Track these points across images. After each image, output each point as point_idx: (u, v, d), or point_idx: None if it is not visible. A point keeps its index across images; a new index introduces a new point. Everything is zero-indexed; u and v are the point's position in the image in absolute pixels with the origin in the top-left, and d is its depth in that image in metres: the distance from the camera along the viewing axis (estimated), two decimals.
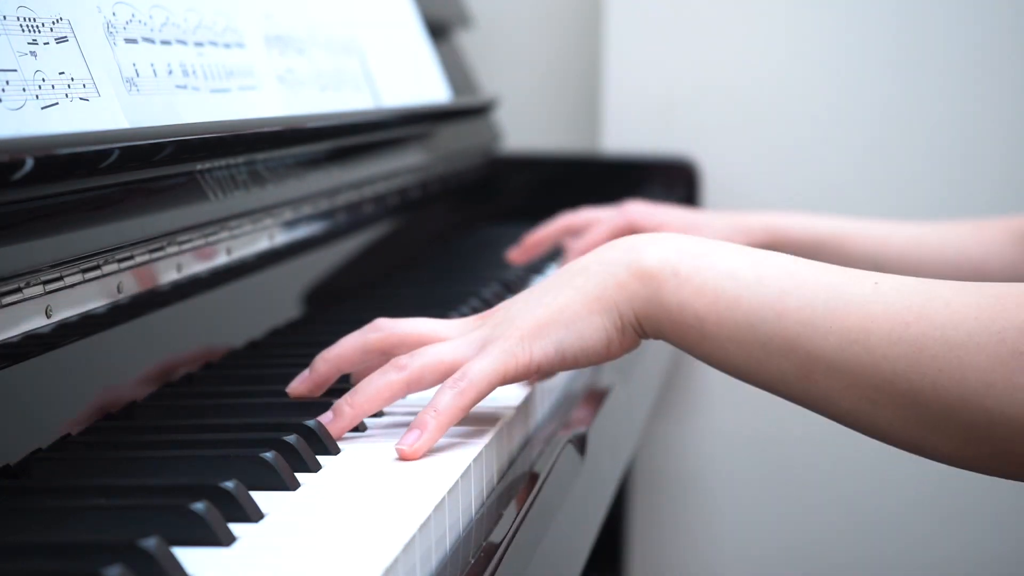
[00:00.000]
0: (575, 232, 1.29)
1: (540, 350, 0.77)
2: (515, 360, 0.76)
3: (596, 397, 0.99)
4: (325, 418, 0.77)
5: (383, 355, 0.82)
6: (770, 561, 1.81)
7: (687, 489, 1.83)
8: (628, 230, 1.23)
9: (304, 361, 0.93)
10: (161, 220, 0.85)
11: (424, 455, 0.74)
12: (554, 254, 1.40)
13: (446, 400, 0.75)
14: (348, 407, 0.77)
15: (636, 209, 1.28)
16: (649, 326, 0.78)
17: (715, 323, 0.75)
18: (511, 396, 0.85)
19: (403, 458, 0.73)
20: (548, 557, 0.76)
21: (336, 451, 0.75)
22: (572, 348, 0.78)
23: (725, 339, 0.75)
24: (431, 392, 0.78)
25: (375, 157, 1.25)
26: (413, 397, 0.88)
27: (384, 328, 0.83)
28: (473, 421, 0.80)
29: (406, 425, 0.79)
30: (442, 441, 0.76)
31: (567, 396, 0.99)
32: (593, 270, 0.78)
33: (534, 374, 0.79)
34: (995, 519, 1.74)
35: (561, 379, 0.99)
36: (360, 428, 0.80)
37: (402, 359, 0.78)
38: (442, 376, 0.78)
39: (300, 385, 0.83)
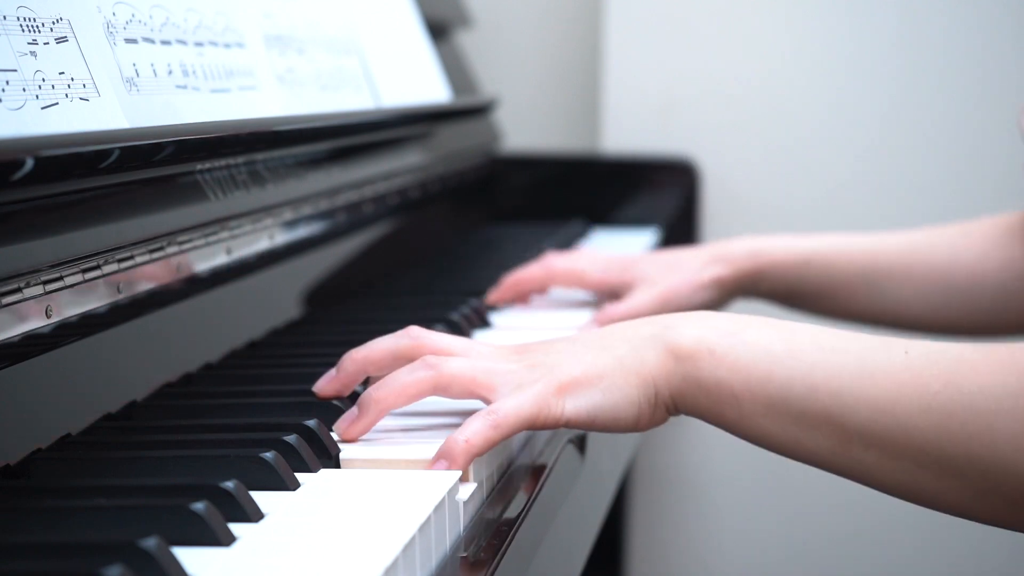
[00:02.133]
0: (559, 283, 1.23)
1: (572, 408, 0.77)
2: (548, 410, 0.76)
3: None
4: (349, 414, 0.77)
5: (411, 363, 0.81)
6: (770, 561, 1.81)
7: (687, 489, 1.83)
8: (609, 287, 1.20)
9: (304, 361, 0.93)
10: (161, 220, 0.85)
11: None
12: None
13: (479, 430, 0.73)
14: (374, 402, 0.77)
15: (620, 262, 1.24)
16: (684, 404, 0.78)
17: (749, 399, 0.75)
18: None
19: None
20: (548, 557, 0.76)
21: (336, 451, 0.75)
22: (604, 415, 0.77)
23: (761, 416, 0.76)
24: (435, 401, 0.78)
25: (375, 157, 1.25)
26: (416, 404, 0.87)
27: (417, 337, 0.81)
28: None
29: (406, 427, 0.79)
30: (443, 441, 0.76)
31: None
32: (634, 343, 0.78)
33: (562, 427, 0.78)
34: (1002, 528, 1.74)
35: None
36: None
37: (432, 359, 0.78)
38: (468, 392, 0.77)
39: (327, 385, 0.82)
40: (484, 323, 1.12)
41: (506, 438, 0.75)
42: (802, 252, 1.22)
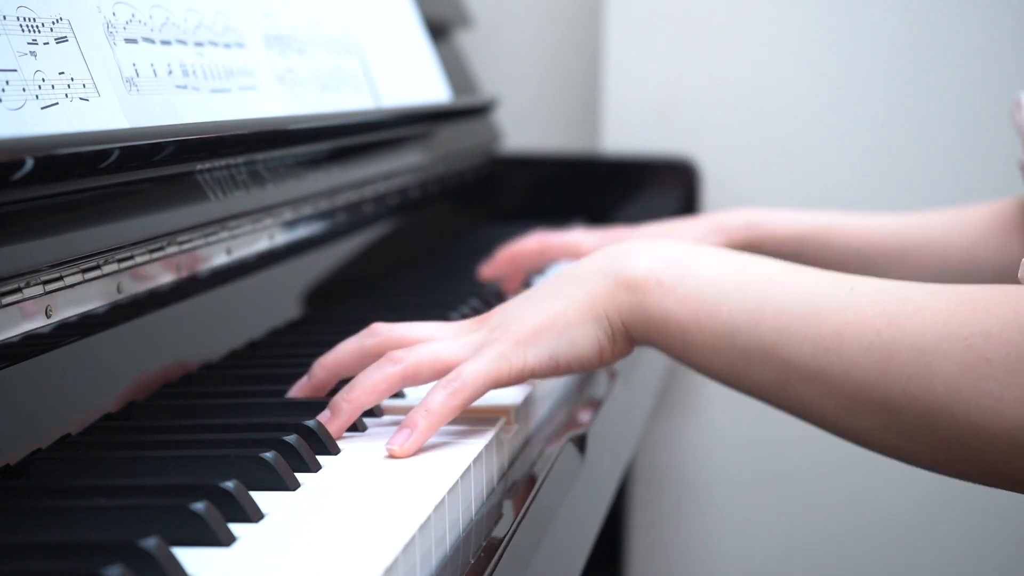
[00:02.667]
0: (553, 254, 1.23)
1: (534, 356, 0.78)
2: (509, 364, 0.78)
3: (596, 397, 0.99)
4: (323, 416, 0.77)
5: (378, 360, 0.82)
6: (770, 561, 1.81)
7: (687, 489, 1.83)
8: None
9: (304, 361, 0.93)
10: (161, 220, 0.85)
11: (414, 454, 0.74)
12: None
13: (438, 400, 0.75)
14: (345, 403, 0.78)
15: (615, 234, 1.24)
16: (638, 333, 0.79)
17: (697, 332, 0.76)
18: (511, 396, 0.85)
19: (393, 456, 0.74)
20: (548, 557, 0.76)
21: (336, 451, 0.75)
22: (565, 355, 0.79)
23: (708, 348, 0.76)
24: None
25: (375, 157, 1.25)
26: (415, 395, 0.88)
27: (381, 333, 0.83)
28: (473, 421, 0.80)
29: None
30: (442, 441, 0.76)
31: (567, 396, 0.99)
32: (585, 279, 0.80)
33: (527, 379, 0.80)
34: (996, 523, 1.74)
35: (561, 379, 0.99)
36: (359, 428, 0.80)
37: (398, 353, 0.79)
38: (438, 373, 0.79)
39: (299, 391, 0.83)
40: None
41: (471, 401, 0.77)
42: (799, 227, 1.22)
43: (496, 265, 1.22)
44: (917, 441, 0.71)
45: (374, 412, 0.83)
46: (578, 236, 1.24)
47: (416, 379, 0.79)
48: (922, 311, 0.70)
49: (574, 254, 1.23)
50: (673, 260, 0.78)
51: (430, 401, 0.75)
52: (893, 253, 1.20)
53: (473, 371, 0.77)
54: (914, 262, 1.20)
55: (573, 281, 0.80)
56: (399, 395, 0.87)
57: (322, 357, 0.83)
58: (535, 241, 1.22)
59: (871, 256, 1.21)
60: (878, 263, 1.20)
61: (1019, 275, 0.73)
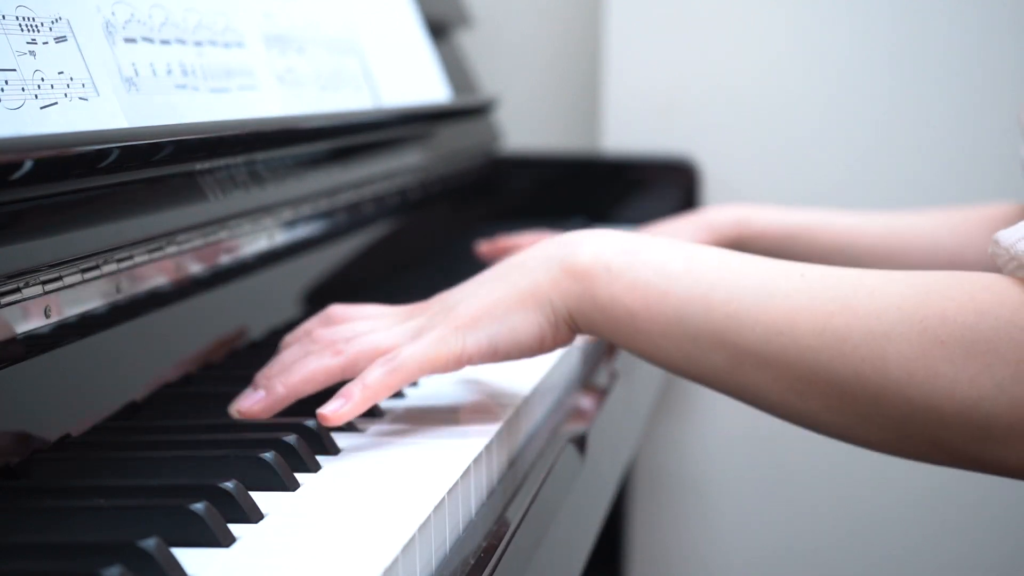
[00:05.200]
0: None
1: (473, 341, 0.78)
2: (447, 349, 0.78)
3: (596, 397, 0.99)
4: (251, 396, 0.79)
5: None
6: (770, 561, 1.81)
7: (687, 489, 1.83)
8: None
9: None
10: (161, 220, 0.85)
11: (342, 423, 0.75)
12: None
13: (376, 376, 0.77)
14: (281, 387, 0.79)
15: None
16: (583, 322, 0.79)
17: (646, 318, 0.76)
18: (511, 396, 0.85)
19: (322, 422, 0.75)
20: (548, 557, 0.76)
21: (336, 451, 0.75)
22: (504, 341, 0.79)
23: (657, 334, 0.76)
24: (435, 391, 0.78)
25: (375, 157, 1.25)
26: (414, 394, 0.88)
27: (323, 335, 0.83)
28: (473, 421, 0.80)
29: (405, 429, 0.79)
30: (442, 441, 0.76)
31: (567, 396, 0.99)
32: (529, 266, 0.80)
33: (465, 364, 0.80)
34: (994, 520, 1.74)
35: (561, 379, 0.99)
36: (359, 428, 0.80)
37: (339, 344, 0.80)
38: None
39: (254, 406, 0.80)
40: None
41: (407, 382, 0.78)
42: (788, 225, 1.23)
43: (495, 246, 1.23)
44: (869, 423, 0.71)
45: (374, 413, 0.83)
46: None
47: (354, 370, 0.79)
48: (875, 295, 0.71)
49: None
50: (621, 248, 0.78)
51: (367, 376, 0.77)
52: (880, 252, 1.21)
53: (411, 353, 0.78)
54: (901, 262, 1.20)
55: (517, 268, 0.80)
56: (399, 395, 0.87)
57: (281, 375, 0.80)
58: (530, 239, 1.23)
59: (858, 255, 1.21)
60: (864, 262, 1.20)
61: (988, 250, 0.73)
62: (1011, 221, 1.18)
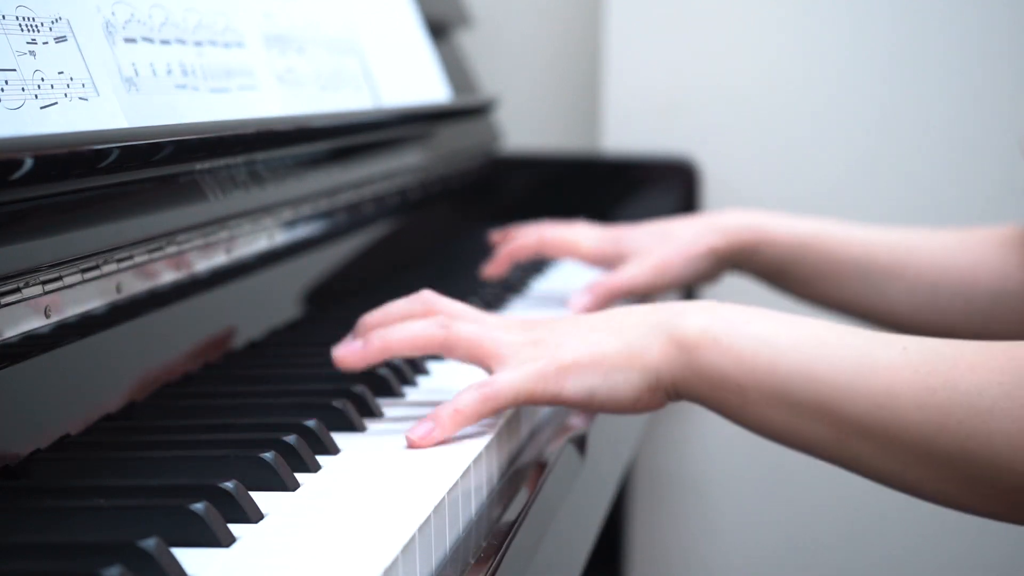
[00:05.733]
0: (550, 253, 1.26)
1: (572, 387, 0.79)
2: (545, 386, 0.79)
3: None
4: (353, 345, 0.80)
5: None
6: (770, 561, 1.81)
7: (687, 489, 1.83)
8: (603, 258, 1.22)
9: (304, 361, 0.93)
10: (160, 220, 0.85)
11: (430, 446, 0.75)
12: (540, 265, 1.40)
13: (470, 401, 0.77)
14: (379, 339, 0.80)
15: (614, 233, 1.26)
16: (686, 390, 0.80)
17: (753, 390, 0.77)
18: None
19: (411, 446, 0.75)
20: (548, 557, 0.76)
21: (336, 451, 0.75)
22: (601, 395, 0.79)
23: (763, 405, 0.77)
24: (437, 387, 0.78)
25: (375, 157, 1.25)
26: (415, 398, 0.88)
27: (430, 301, 0.84)
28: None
29: (405, 429, 0.79)
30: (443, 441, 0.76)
31: None
32: (640, 329, 0.80)
33: (559, 405, 0.81)
34: (994, 521, 1.73)
35: None
36: (359, 429, 0.80)
37: (445, 319, 0.81)
38: (472, 356, 0.80)
39: (348, 353, 0.83)
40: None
41: (498, 411, 0.78)
42: (799, 233, 1.21)
43: (498, 263, 1.23)
44: (977, 493, 0.73)
45: (374, 413, 0.83)
46: (577, 233, 1.24)
47: (453, 351, 0.80)
48: (976, 370, 0.72)
49: (572, 252, 1.24)
50: (728, 320, 0.79)
51: (461, 401, 0.76)
52: (891, 267, 1.20)
53: (509, 381, 0.78)
54: (911, 277, 1.20)
55: (631, 328, 0.80)
56: (400, 395, 0.87)
57: (368, 315, 0.84)
58: (533, 238, 1.23)
59: (869, 268, 1.21)
60: (875, 275, 1.20)
61: None
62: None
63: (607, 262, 1.21)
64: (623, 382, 0.79)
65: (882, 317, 1.22)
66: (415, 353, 0.82)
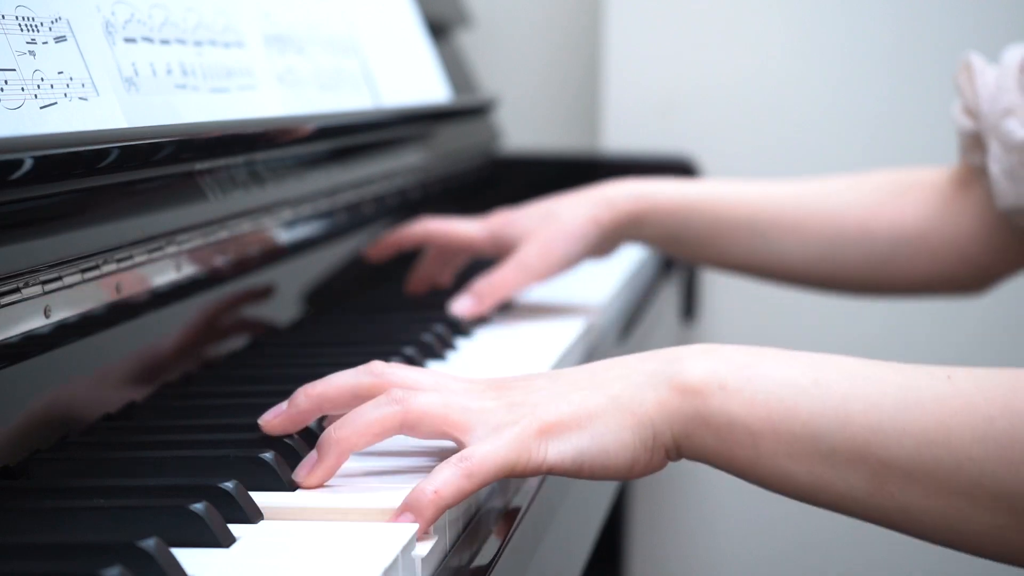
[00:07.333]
0: (436, 242, 1.21)
1: (557, 453, 0.68)
2: (528, 455, 0.67)
3: None
4: (309, 459, 0.69)
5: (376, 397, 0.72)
6: (770, 562, 1.81)
7: (687, 489, 1.83)
8: (492, 245, 1.18)
9: (304, 361, 0.93)
10: (160, 220, 0.85)
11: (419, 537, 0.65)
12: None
13: (449, 480, 0.65)
14: (334, 443, 0.68)
15: (499, 219, 1.20)
16: (688, 447, 0.70)
17: (771, 438, 0.68)
18: None
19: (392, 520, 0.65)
20: (548, 558, 0.76)
21: None
22: (591, 460, 0.68)
23: (783, 456, 0.68)
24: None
25: (375, 157, 1.25)
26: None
27: (382, 374, 0.72)
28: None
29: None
30: (442, 443, 0.76)
31: None
32: (632, 379, 0.70)
33: (542, 474, 0.71)
34: None
35: None
36: None
37: (399, 392, 0.69)
38: (439, 432, 0.69)
39: (275, 419, 0.73)
40: (481, 322, 1.12)
41: (481, 487, 0.67)
42: (686, 197, 1.18)
43: (380, 248, 1.19)
44: None
45: None
46: (463, 228, 1.20)
47: (415, 429, 0.69)
48: None
49: (463, 249, 1.20)
50: (736, 362, 0.69)
51: (437, 480, 0.65)
52: (786, 223, 1.16)
53: (487, 454, 0.66)
54: (806, 231, 1.16)
55: (619, 380, 0.70)
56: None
57: (308, 386, 0.73)
58: (420, 229, 1.19)
59: (762, 226, 1.17)
60: (768, 232, 1.16)
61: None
62: (922, 187, 1.15)
63: (496, 247, 1.17)
64: (614, 442, 0.68)
65: (777, 272, 1.19)
66: (375, 443, 0.69)
